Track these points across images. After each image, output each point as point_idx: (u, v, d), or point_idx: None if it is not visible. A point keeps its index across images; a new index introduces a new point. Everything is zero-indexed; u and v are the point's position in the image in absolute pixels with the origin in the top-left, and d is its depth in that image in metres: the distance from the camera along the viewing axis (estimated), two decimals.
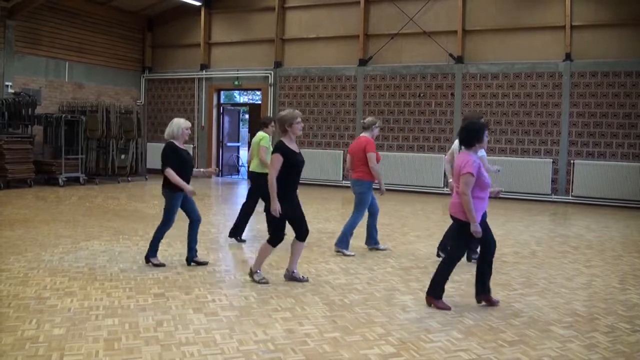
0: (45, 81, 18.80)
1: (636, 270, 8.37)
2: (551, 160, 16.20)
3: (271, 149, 8.97)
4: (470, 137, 6.25)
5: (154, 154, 21.46)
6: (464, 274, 7.69)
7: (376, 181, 8.96)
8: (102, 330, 5.28)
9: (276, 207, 6.72)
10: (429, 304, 6.28)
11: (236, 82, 21.00)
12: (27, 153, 16.47)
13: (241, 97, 37.63)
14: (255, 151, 9.80)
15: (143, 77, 22.65)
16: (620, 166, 15.38)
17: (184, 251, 8.69)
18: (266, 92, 20.45)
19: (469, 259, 8.28)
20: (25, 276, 7.09)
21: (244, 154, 23.83)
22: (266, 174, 8.55)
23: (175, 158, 7.78)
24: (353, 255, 8.78)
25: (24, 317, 5.58)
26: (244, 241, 9.71)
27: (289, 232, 7.08)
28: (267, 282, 7.04)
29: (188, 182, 7.83)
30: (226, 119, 22.27)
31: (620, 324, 5.87)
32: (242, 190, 18.38)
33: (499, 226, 11.60)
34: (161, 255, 8.36)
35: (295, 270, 7.26)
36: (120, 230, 10.32)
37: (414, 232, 11.15)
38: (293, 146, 6.94)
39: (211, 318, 5.72)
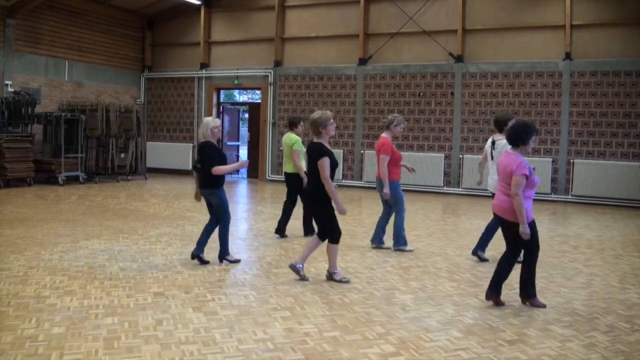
0: (45, 80, 18.79)
1: (636, 269, 8.37)
2: (551, 159, 16.20)
3: (304, 151, 9.10)
4: (517, 137, 6.29)
5: (153, 153, 21.55)
6: (463, 274, 7.70)
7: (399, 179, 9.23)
8: (101, 329, 5.28)
9: (343, 208, 7.15)
10: (524, 302, 6.43)
11: (236, 81, 20.99)
12: (27, 152, 16.47)
13: (241, 96, 37.62)
14: (288, 154, 10.05)
15: (143, 76, 22.64)
16: (620, 165, 15.39)
17: (184, 250, 8.73)
18: (266, 91, 20.45)
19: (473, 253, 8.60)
20: (25, 275, 7.09)
21: (243, 153, 23.81)
22: (294, 174, 9.40)
23: (218, 155, 7.92)
24: (412, 250, 9.16)
25: (24, 315, 5.59)
26: (286, 236, 10.05)
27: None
28: (348, 281, 7.22)
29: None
30: (226, 118, 22.25)
31: (620, 323, 5.87)
32: (241, 189, 18.39)
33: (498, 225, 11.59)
34: (160, 253, 8.39)
35: (300, 265, 7.29)
36: (120, 229, 10.31)
37: (414, 231, 11.14)
38: (329, 147, 7.18)
39: (211, 317, 5.72)
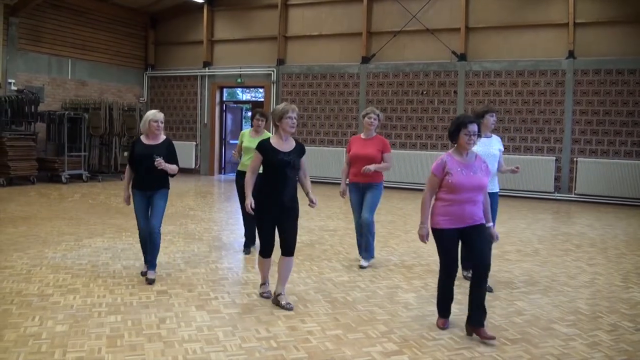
0: (48, 78, 18.81)
1: (639, 268, 8.36)
2: (554, 158, 16.17)
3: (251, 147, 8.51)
4: (449, 133, 5.64)
5: None
6: (465, 272, 7.67)
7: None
8: (104, 327, 5.29)
9: (247, 203, 6.03)
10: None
11: (239, 80, 20.99)
12: (30, 150, 16.49)
13: (244, 95, 37.56)
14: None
15: (146, 74, 22.65)
16: (623, 164, 15.36)
17: (186, 248, 8.73)
18: (269, 90, 20.45)
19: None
20: (28, 273, 7.10)
21: None
22: (244, 173, 8.01)
23: (131, 154, 7.23)
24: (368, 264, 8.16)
25: (27, 313, 5.59)
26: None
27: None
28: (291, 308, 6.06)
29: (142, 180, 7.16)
30: (229, 116, 22.27)
31: (623, 322, 5.86)
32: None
33: (501, 223, 11.60)
34: (162, 252, 8.32)
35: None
36: (123, 228, 10.32)
37: (416, 229, 11.12)
38: (278, 143, 6.18)
39: (214, 315, 5.73)
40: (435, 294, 5.80)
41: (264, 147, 6.14)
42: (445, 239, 5.49)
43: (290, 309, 5.98)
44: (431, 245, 9.44)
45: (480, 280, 5.38)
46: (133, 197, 7.09)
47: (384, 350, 4.98)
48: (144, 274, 7.07)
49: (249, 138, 8.71)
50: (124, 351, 4.78)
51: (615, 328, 5.68)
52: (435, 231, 5.55)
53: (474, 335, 5.33)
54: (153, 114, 7.28)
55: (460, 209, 5.42)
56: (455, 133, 5.48)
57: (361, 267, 7.94)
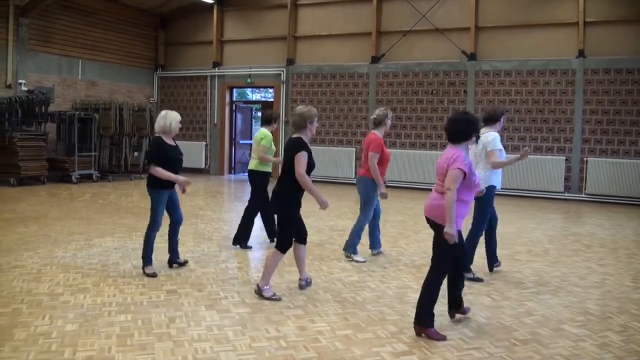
0: (59, 79, 18.88)
1: None
2: (564, 157, 16.12)
3: (273, 149, 8.95)
4: (458, 133, 5.51)
5: None
6: (475, 273, 7.65)
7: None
8: (114, 327, 5.31)
9: (324, 200, 6.40)
10: (419, 333, 5.37)
11: (248, 80, 21.01)
12: (41, 150, 16.56)
13: (253, 95, 37.63)
14: (256, 149, 9.18)
15: (156, 74, 22.72)
16: (634, 164, 15.29)
17: (196, 248, 8.75)
18: (278, 90, 20.47)
19: (490, 269, 7.81)
20: (38, 272, 7.14)
21: None
22: (265, 172, 8.63)
23: (161, 154, 7.28)
24: (364, 262, 8.24)
25: (37, 312, 5.62)
26: (249, 247, 9.05)
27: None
28: (279, 299, 6.33)
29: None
30: (238, 116, 22.31)
31: (634, 323, 5.84)
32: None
33: (511, 223, 11.57)
34: None
35: (267, 287, 6.47)
36: (133, 227, 10.35)
37: (427, 230, 11.05)
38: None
39: (223, 315, 5.74)
40: (445, 293, 5.75)
41: (307, 146, 6.44)
42: (460, 239, 5.50)
43: (279, 299, 6.36)
44: None
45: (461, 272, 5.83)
46: (157, 196, 7.31)
47: (394, 350, 4.98)
48: (181, 264, 7.68)
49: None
50: (133, 350, 4.80)
51: (626, 329, 5.66)
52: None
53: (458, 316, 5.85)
54: (178, 115, 7.55)
55: (469, 209, 5.57)
56: (469, 134, 5.47)
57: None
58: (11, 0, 16.96)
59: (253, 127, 23.31)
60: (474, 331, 5.47)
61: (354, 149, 18.66)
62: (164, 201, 7.36)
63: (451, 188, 5.21)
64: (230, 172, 21.89)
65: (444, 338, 5.25)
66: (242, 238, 9.07)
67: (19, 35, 17.35)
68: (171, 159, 7.30)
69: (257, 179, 9.12)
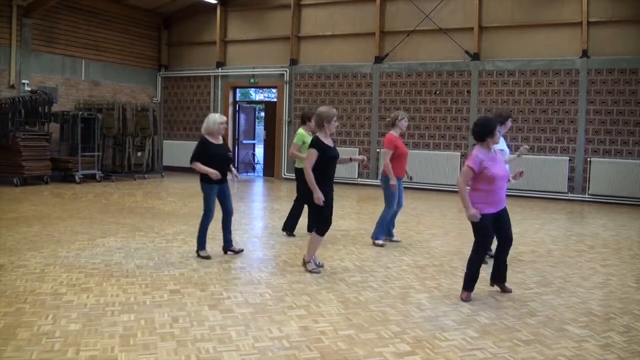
0: (62, 79, 18.92)
1: None
2: (568, 158, 16.10)
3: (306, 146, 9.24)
4: (482, 132, 6.53)
5: (170, 151, 21.65)
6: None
7: (401, 176, 9.50)
8: (117, 326, 5.31)
9: (319, 196, 7.21)
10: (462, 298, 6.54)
11: (252, 80, 21.03)
12: (44, 150, 16.59)
13: (257, 95, 37.67)
14: (302, 149, 9.83)
15: (159, 74, 22.74)
16: (637, 164, 15.26)
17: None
18: (282, 90, 20.47)
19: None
20: (41, 272, 7.14)
21: (259, 151, 23.86)
22: (301, 169, 8.70)
23: (204, 152, 8.13)
24: (382, 246, 9.30)
25: (41, 312, 5.63)
26: (293, 236, 10.00)
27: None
28: (318, 272, 7.49)
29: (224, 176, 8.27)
30: (242, 116, 22.32)
31: (637, 323, 5.82)
32: (257, 188, 18.42)
33: (515, 224, 11.49)
34: (176, 251, 8.45)
35: (310, 260, 7.66)
36: (136, 227, 10.36)
37: (430, 230, 11.13)
38: (328, 141, 7.46)
39: (226, 315, 5.74)
40: (449, 294, 5.75)
41: (320, 144, 7.38)
42: (487, 223, 6.48)
43: (319, 272, 7.48)
44: (445, 245, 9.47)
45: (506, 249, 6.83)
46: (208, 190, 8.26)
47: (397, 350, 4.98)
48: (235, 251, 8.53)
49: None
50: (136, 350, 4.80)
51: (629, 329, 5.65)
52: (480, 217, 6.40)
53: (496, 287, 6.92)
54: (220, 117, 8.34)
55: (497, 195, 6.54)
56: (490, 134, 6.47)
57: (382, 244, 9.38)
58: (14, 0, 16.98)
59: (256, 127, 23.32)
60: (477, 331, 5.47)
61: (357, 149, 18.65)
62: (214, 193, 8.26)
63: (460, 180, 6.51)
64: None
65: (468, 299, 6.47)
66: (289, 226, 10.09)
67: (22, 35, 17.38)
68: (212, 155, 8.11)
69: (301, 176, 9.65)
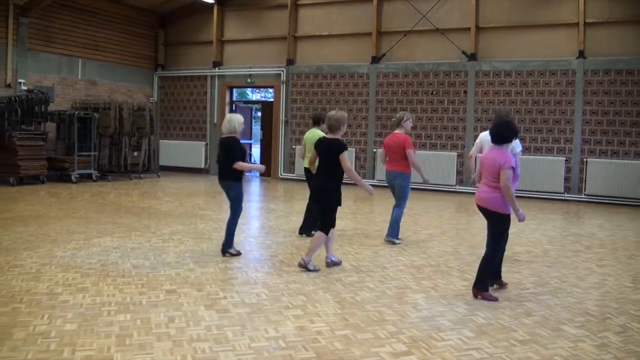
0: (58, 78, 18.89)
1: None
2: (564, 158, 16.12)
3: None
4: (504, 136, 6.65)
5: (166, 151, 21.65)
6: (475, 273, 7.64)
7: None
8: (114, 326, 5.30)
9: (370, 188, 8.05)
10: (475, 295, 6.62)
11: (249, 80, 21.02)
12: (40, 150, 16.56)
13: (254, 95, 37.66)
14: (311, 149, 9.63)
15: (156, 74, 22.71)
16: (634, 165, 15.29)
17: (196, 248, 8.77)
18: (279, 90, 20.47)
19: None
20: (37, 272, 7.13)
21: (256, 151, 23.87)
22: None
23: (240, 151, 8.41)
24: (400, 243, 9.58)
25: (36, 312, 5.61)
26: (312, 235, 9.88)
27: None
28: (318, 270, 7.65)
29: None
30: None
31: (633, 323, 5.83)
32: (253, 188, 18.40)
33: (512, 224, 11.53)
34: (172, 251, 8.44)
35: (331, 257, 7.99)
36: (132, 227, 10.35)
37: (426, 230, 11.14)
38: None
39: (223, 315, 5.73)
40: (445, 294, 5.75)
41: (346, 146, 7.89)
42: (509, 223, 6.80)
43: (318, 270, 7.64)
44: (442, 245, 9.48)
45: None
46: (241, 187, 8.47)
47: (393, 350, 4.98)
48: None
49: None
50: (132, 350, 4.79)
51: (625, 329, 5.66)
52: (506, 217, 6.70)
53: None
54: (241, 117, 8.64)
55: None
56: (514, 137, 6.75)
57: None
58: None
59: (253, 127, 23.31)
60: (474, 331, 5.47)
61: (354, 149, 18.65)
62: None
63: (508, 184, 6.44)
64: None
65: (495, 299, 6.51)
66: (307, 228, 10.08)
67: (18, 34, 17.36)
68: (244, 154, 8.48)
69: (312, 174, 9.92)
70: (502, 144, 6.65)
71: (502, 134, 6.62)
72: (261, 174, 21.19)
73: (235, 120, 8.39)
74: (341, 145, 7.58)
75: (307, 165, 10.00)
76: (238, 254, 8.38)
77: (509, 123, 6.78)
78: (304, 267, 7.56)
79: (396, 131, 9.76)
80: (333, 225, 7.73)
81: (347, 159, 7.53)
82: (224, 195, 8.63)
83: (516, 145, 8.22)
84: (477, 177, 7.25)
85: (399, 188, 9.73)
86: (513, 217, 6.65)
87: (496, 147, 6.68)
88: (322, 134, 9.67)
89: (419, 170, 9.66)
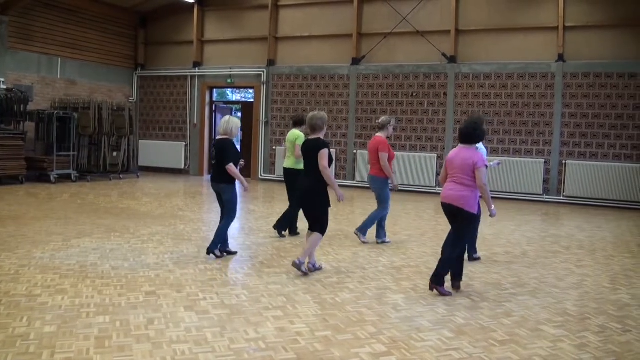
0: (38, 77, 18.73)
1: (627, 270, 8.40)
2: (543, 160, 16.23)
3: None
4: (474, 134, 6.84)
5: (146, 151, 21.52)
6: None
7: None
8: (93, 328, 5.27)
9: (341, 193, 7.77)
10: (432, 289, 6.76)
11: (229, 80, 20.96)
12: (19, 149, 16.41)
13: (234, 95, 37.56)
14: (291, 149, 10.08)
15: (135, 74, 22.58)
16: (612, 167, 15.43)
17: (175, 249, 8.73)
18: (259, 90, 20.42)
19: (470, 259, 8.52)
20: (16, 273, 7.07)
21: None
22: (301, 170, 8.67)
23: (234, 153, 8.38)
24: (366, 243, 9.67)
25: (15, 314, 5.57)
26: (298, 234, 10.25)
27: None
28: (320, 268, 7.87)
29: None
30: (219, 117, 22.19)
31: (611, 323, 5.89)
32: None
33: (490, 225, 11.62)
34: (152, 252, 8.40)
35: (302, 260, 7.63)
36: (111, 228, 10.29)
37: (406, 231, 11.17)
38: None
39: (202, 316, 5.72)
40: (424, 295, 5.78)
41: (328, 144, 7.79)
42: (479, 222, 7.27)
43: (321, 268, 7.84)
44: (422, 246, 9.51)
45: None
46: (235, 191, 8.47)
47: (373, 351, 4.99)
48: (230, 252, 8.59)
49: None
50: (112, 352, 4.77)
51: (604, 329, 5.71)
52: (477, 216, 7.00)
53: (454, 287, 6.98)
54: (239, 121, 8.72)
55: None
56: (482, 137, 6.99)
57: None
58: None
59: None
60: (453, 332, 5.49)
61: (334, 150, 18.66)
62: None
63: (484, 182, 6.63)
64: (209, 173, 21.78)
65: (450, 294, 6.73)
66: (280, 226, 10.16)
67: None
68: (237, 157, 8.42)
69: (291, 177, 10.01)
70: (472, 144, 6.84)
71: (471, 133, 6.81)
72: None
73: (232, 123, 8.39)
74: (323, 143, 7.57)
75: (286, 166, 10.20)
76: (222, 255, 8.35)
77: (478, 123, 6.93)
78: (298, 267, 7.47)
79: (377, 134, 9.75)
80: (326, 227, 7.70)
81: (326, 157, 7.46)
82: (207, 197, 8.63)
83: (481, 148, 8.23)
84: (442, 178, 7.23)
85: (375, 192, 9.77)
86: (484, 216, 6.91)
87: (465, 147, 6.85)
88: (302, 135, 9.85)
89: (389, 174, 9.51)
